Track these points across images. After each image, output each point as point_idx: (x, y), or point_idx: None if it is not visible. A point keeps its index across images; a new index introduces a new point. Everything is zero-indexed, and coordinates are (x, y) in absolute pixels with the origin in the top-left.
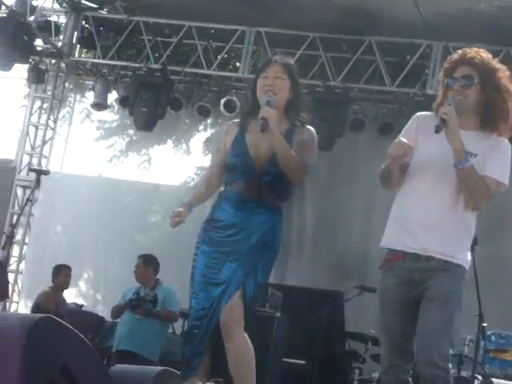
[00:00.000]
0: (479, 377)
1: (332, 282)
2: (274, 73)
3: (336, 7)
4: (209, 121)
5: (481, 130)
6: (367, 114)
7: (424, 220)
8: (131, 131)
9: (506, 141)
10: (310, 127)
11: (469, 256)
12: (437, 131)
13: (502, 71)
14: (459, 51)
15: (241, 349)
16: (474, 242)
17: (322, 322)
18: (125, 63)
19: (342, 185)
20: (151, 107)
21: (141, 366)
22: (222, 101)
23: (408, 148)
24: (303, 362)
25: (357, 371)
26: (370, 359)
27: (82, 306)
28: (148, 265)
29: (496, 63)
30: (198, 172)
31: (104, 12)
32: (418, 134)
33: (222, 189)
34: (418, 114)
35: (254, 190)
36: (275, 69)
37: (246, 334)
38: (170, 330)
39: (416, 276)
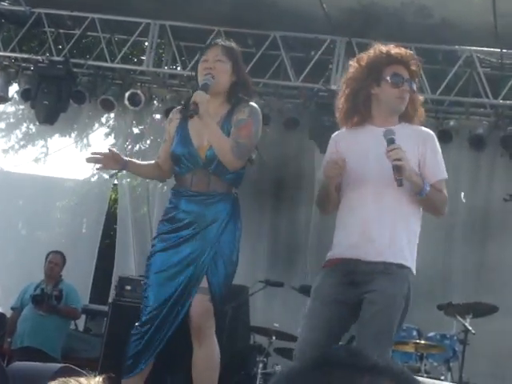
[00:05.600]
0: None
1: None
2: (214, 55)
3: (241, 1)
4: (112, 115)
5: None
6: (272, 108)
7: (367, 228)
8: (32, 124)
9: (427, 129)
10: (252, 104)
11: (414, 254)
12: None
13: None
14: (385, 46)
15: (211, 354)
16: None
17: (227, 316)
18: (26, 55)
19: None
20: (53, 100)
21: (41, 363)
22: (127, 94)
23: (343, 163)
24: None
25: (261, 365)
26: (274, 353)
27: None
28: (64, 261)
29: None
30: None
31: (5, 4)
32: (339, 149)
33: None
34: (332, 135)
35: (202, 183)
36: (215, 51)
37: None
38: (73, 327)
39: (357, 278)
